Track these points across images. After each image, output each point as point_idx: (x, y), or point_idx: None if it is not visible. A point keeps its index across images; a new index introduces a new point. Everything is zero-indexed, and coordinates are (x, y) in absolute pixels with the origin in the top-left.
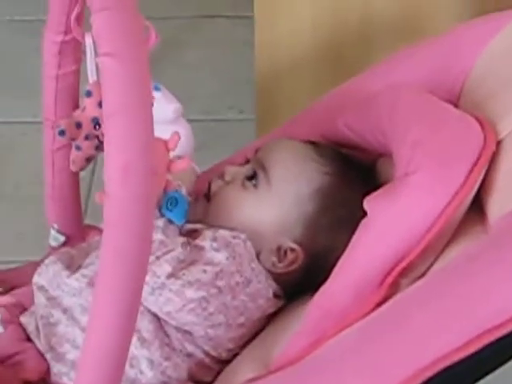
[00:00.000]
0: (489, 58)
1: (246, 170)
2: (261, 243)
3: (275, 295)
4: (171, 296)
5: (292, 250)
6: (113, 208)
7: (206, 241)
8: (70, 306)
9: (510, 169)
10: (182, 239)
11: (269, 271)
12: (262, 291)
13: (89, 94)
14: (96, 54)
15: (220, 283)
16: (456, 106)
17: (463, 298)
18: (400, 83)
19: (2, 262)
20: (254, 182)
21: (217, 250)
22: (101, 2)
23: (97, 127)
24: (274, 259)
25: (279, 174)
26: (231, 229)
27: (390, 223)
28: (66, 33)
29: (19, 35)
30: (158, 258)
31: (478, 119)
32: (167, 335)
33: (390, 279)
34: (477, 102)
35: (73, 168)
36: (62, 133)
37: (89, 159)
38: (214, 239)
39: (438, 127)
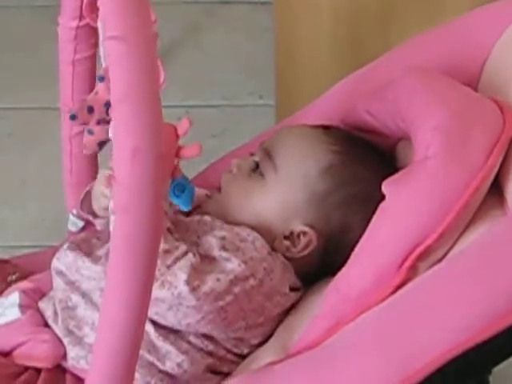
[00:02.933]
0: (507, 41)
1: (250, 160)
2: (274, 231)
3: (292, 289)
4: (189, 311)
5: (304, 233)
6: (122, 193)
7: (215, 251)
8: (90, 289)
9: None
10: (183, 245)
11: (286, 258)
12: (276, 288)
13: (101, 78)
14: None
15: (236, 290)
16: (475, 89)
17: (482, 283)
18: (419, 67)
19: (23, 247)
20: (260, 171)
21: (228, 259)
22: None
23: (109, 112)
24: (288, 244)
25: (285, 158)
26: (240, 223)
27: (408, 207)
28: (80, 18)
29: (39, 20)
30: (168, 267)
31: (496, 103)
32: (186, 334)
33: (408, 263)
34: (496, 85)
35: (85, 152)
36: (73, 117)
37: (101, 144)
38: (223, 247)
39: (456, 111)
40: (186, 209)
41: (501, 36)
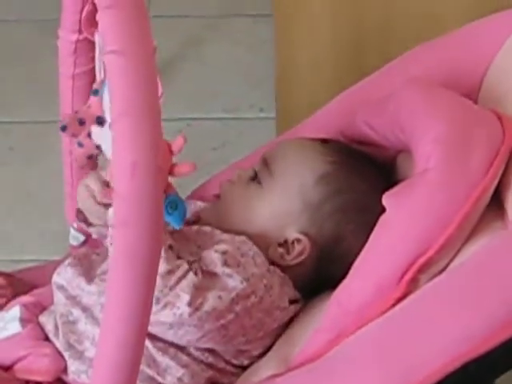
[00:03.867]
0: (508, 52)
1: (251, 171)
2: (268, 238)
3: (291, 301)
4: (190, 329)
5: (298, 240)
6: (122, 206)
7: (217, 267)
8: (90, 304)
9: None
10: (185, 263)
11: (281, 266)
12: (276, 303)
13: (95, 92)
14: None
15: (237, 308)
16: (475, 101)
17: (483, 295)
18: (419, 79)
19: (26, 261)
20: (258, 179)
21: (230, 275)
22: (107, 0)
23: (100, 126)
24: (282, 251)
25: (281, 167)
26: (237, 230)
27: (408, 219)
28: (80, 32)
29: (39, 34)
30: (171, 288)
31: (496, 115)
32: (186, 347)
33: (408, 276)
34: (496, 97)
35: (76, 164)
36: (63, 128)
37: (90, 157)
38: (225, 263)
39: (456, 123)
40: (177, 226)
41: (502, 47)
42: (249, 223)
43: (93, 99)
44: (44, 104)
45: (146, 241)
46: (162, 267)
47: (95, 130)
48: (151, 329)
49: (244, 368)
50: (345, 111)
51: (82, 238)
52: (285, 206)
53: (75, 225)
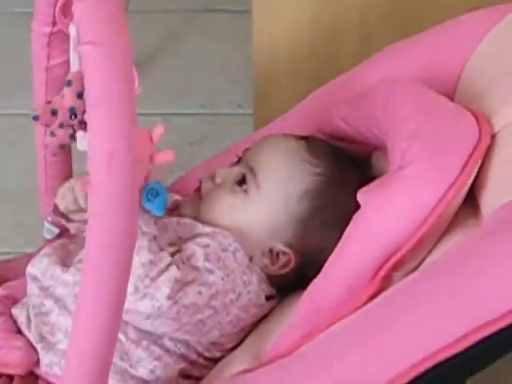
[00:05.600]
0: (483, 52)
1: (236, 173)
2: (253, 246)
3: (268, 297)
4: (167, 322)
5: (284, 253)
6: (97, 197)
7: (199, 261)
8: (63, 295)
9: (504, 162)
10: (168, 256)
11: (263, 272)
12: (253, 300)
13: (69, 83)
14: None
15: (215, 303)
16: (451, 99)
17: (454, 295)
18: (395, 76)
19: (1, 254)
20: (243, 187)
21: (211, 271)
22: None
23: (73, 117)
24: (267, 261)
25: (268, 178)
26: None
27: (382, 216)
28: (54, 24)
29: (16, 27)
30: (152, 279)
31: (472, 112)
32: (160, 337)
33: (382, 273)
34: (472, 95)
35: (46, 152)
36: (36, 118)
37: (63, 146)
38: (207, 258)
39: (432, 120)
40: (158, 213)
41: (477, 47)
42: (232, 230)
43: (66, 90)
44: (18, 97)
45: (120, 231)
46: (145, 257)
47: (79, 134)
48: (127, 316)
49: (216, 361)
50: (321, 107)
51: (56, 231)
52: (270, 218)
53: (50, 218)
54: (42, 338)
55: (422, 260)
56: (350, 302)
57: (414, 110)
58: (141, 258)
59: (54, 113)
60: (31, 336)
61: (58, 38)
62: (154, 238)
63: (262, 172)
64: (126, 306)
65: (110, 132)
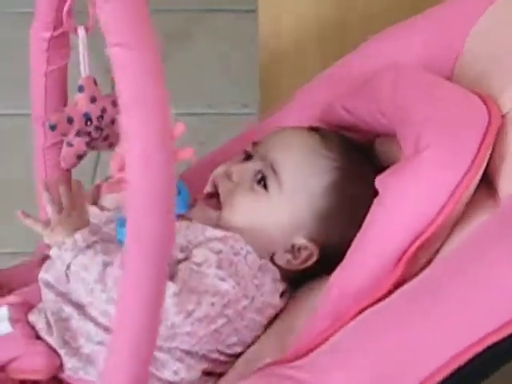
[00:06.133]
0: (479, 34)
1: (254, 170)
2: (275, 244)
3: (281, 294)
4: (184, 338)
5: (305, 247)
6: (135, 195)
7: (211, 268)
8: (81, 301)
9: None
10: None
11: (283, 269)
12: (268, 301)
13: (81, 89)
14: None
15: (228, 312)
16: (450, 81)
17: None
18: (393, 63)
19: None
20: (264, 184)
21: (222, 279)
22: None
23: (88, 123)
24: (289, 257)
25: (290, 176)
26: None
27: (404, 201)
28: (55, 28)
29: (18, 27)
30: None
31: (479, 96)
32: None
33: (406, 257)
34: (470, 79)
35: (63, 165)
36: (53, 127)
37: (80, 156)
38: (220, 265)
39: (442, 105)
40: (181, 211)
41: (472, 29)
42: (254, 230)
43: (79, 96)
44: (18, 97)
45: (159, 227)
46: None
47: None
48: None
49: (237, 356)
50: (323, 97)
51: None
52: (293, 214)
53: None
54: (65, 343)
55: (444, 241)
56: (375, 288)
57: (422, 95)
58: None
59: (71, 121)
60: (53, 341)
61: (59, 43)
62: None
63: (283, 171)
64: None
65: (145, 131)
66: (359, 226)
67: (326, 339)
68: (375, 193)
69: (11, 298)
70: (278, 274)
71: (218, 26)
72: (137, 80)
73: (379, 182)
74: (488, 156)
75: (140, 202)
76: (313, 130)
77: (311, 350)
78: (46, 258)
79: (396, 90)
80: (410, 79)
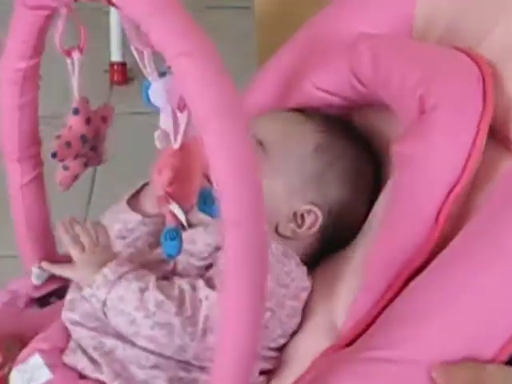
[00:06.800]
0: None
1: None
2: (276, 215)
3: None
4: None
5: (308, 211)
6: (232, 207)
7: None
8: (122, 332)
9: None
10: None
11: (292, 240)
12: (300, 285)
13: (76, 111)
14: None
15: (270, 304)
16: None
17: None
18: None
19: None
20: None
21: None
22: (148, 7)
23: (85, 144)
24: (293, 226)
25: (275, 143)
26: None
27: (430, 160)
28: (31, 57)
29: None
30: (190, 317)
31: (461, 50)
32: None
33: (444, 212)
34: (435, 39)
35: (60, 189)
36: (54, 155)
37: (76, 177)
38: None
39: (434, 63)
40: (215, 218)
41: None
42: None
43: (73, 119)
44: None
45: (257, 234)
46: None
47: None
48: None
49: (281, 348)
50: (289, 81)
51: (46, 274)
52: (286, 181)
53: (37, 265)
54: (117, 375)
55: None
56: (419, 248)
57: (408, 58)
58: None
59: (69, 145)
60: (104, 377)
61: (33, 72)
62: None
63: (268, 140)
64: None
65: (231, 143)
66: (357, 189)
67: (380, 312)
68: (365, 158)
69: (37, 345)
70: (298, 258)
71: (215, 23)
72: (211, 92)
73: (398, 146)
74: (493, 107)
75: (237, 214)
76: (293, 109)
77: (369, 326)
78: (32, 299)
79: (377, 57)
80: (389, 45)
